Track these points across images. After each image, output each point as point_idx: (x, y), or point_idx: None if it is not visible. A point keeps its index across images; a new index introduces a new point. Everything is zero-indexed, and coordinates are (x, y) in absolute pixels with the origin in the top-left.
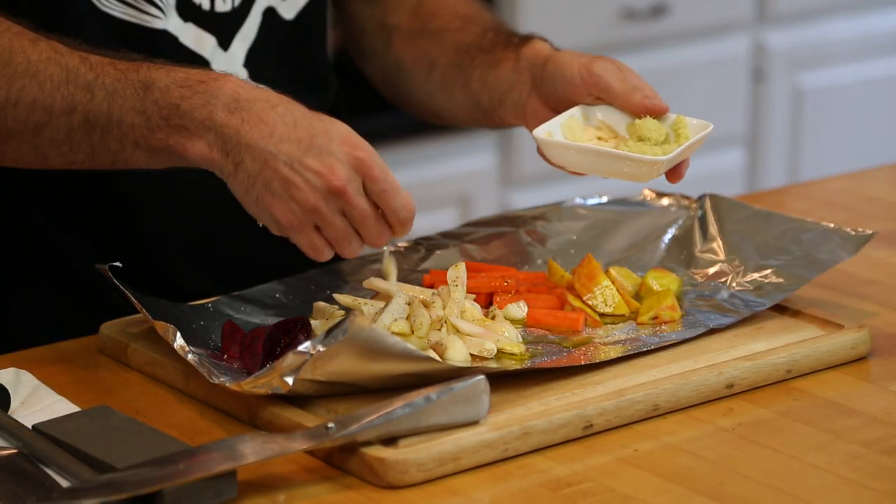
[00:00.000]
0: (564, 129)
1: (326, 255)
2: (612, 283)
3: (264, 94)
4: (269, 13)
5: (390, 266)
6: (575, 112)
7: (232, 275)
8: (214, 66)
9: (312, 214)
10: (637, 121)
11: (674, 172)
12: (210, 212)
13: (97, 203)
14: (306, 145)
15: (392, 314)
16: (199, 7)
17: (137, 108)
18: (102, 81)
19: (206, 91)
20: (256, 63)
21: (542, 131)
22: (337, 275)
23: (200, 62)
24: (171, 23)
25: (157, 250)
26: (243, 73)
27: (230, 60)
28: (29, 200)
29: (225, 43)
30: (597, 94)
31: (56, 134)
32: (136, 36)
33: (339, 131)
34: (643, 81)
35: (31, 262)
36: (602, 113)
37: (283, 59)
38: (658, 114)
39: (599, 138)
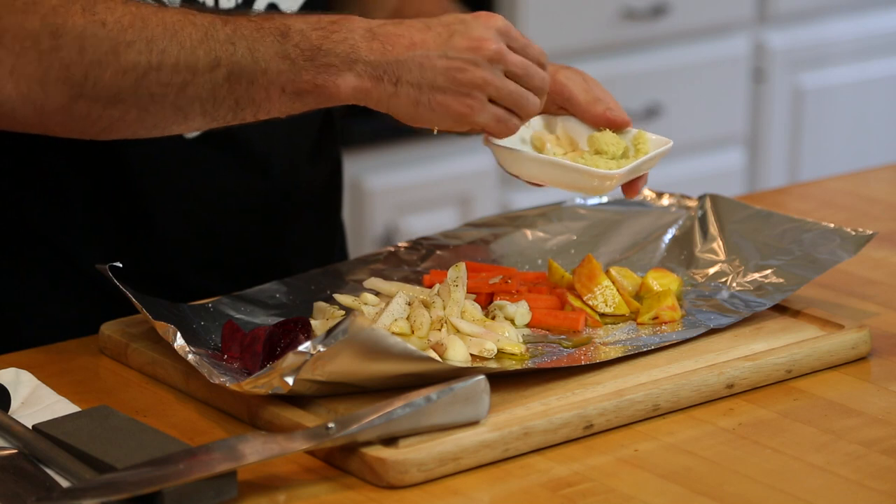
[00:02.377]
0: (524, 139)
1: (513, 123)
2: (613, 283)
3: (390, 21)
4: (271, 10)
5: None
6: (536, 122)
7: (237, 273)
8: None
9: (485, 88)
10: (596, 133)
11: (630, 187)
12: (218, 209)
13: (104, 200)
14: (447, 34)
15: (392, 314)
16: (203, 5)
17: (280, 53)
18: (241, 33)
19: (340, 29)
20: None
21: (499, 140)
22: (337, 275)
23: None
24: None
25: (165, 248)
26: None
27: None
28: (31, 197)
29: None
30: (560, 104)
31: (200, 91)
32: None
33: (466, 15)
34: (607, 93)
35: (32, 261)
36: (564, 123)
37: None
38: (618, 126)
39: (562, 153)
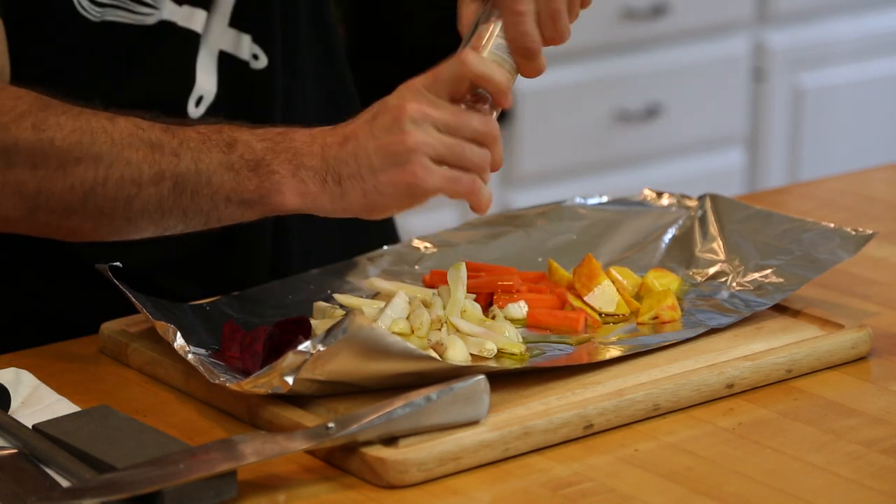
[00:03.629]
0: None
1: (468, 180)
2: (613, 282)
3: (334, 126)
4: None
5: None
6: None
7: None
8: (205, 38)
9: (420, 150)
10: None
11: None
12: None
13: None
14: (371, 117)
15: (392, 314)
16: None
17: (225, 164)
18: (187, 145)
19: (284, 139)
20: (238, 18)
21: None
22: (337, 275)
23: (192, 38)
24: (166, 11)
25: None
26: (231, 34)
27: (218, 27)
28: None
29: (208, 8)
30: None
31: (147, 204)
32: (130, 36)
33: (389, 96)
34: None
35: (32, 261)
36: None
37: (272, 15)
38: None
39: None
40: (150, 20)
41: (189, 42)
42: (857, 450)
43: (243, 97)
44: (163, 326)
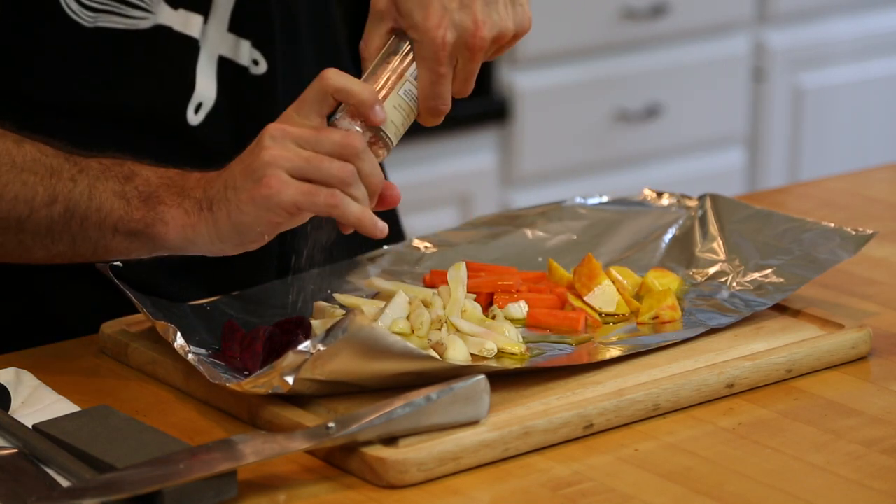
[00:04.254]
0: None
1: (325, 194)
2: (613, 282)
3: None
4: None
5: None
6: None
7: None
8: (204, 44)
9: (276, 164)
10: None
11: None
12: None
13: None
14: (246, 150)
15: (392, 314)
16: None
17: (118, 192)
18: (86, 173)
19: (181, 178)
20: (237, 23)
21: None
22: (337, 275)
23: (191, 44)
24: (162, 15)
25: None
26: (230, 39)
27: (217, 33)
28: None
29: (205, 14)
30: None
31: (38, 226)
32: (126, 41)
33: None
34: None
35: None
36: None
37: (272, 19)
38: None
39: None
40: (145, 24)
41: (187, 47)
42: (857, 450)
43: (244, 103)
44: (163, 326)
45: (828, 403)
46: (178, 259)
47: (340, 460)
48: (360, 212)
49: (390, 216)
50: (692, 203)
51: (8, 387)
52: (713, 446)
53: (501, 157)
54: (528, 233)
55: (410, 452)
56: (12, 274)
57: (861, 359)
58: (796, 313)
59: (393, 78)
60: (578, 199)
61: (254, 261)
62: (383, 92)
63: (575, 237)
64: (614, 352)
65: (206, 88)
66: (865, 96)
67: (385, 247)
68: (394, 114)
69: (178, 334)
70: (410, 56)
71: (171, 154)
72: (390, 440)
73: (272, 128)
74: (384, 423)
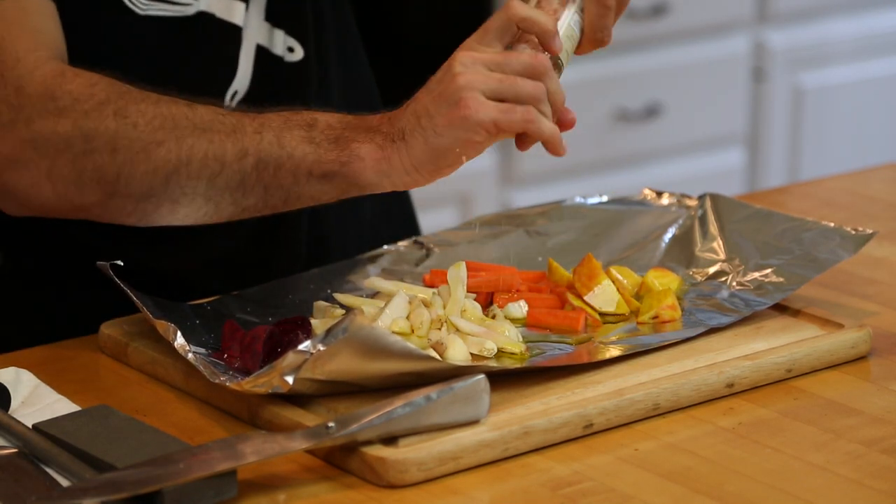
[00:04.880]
0: None
1: (522, 111)
2: (613, 282)
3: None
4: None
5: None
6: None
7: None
8: (246, 32)
9: (472, 87)
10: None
11: None
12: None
13: None
14: (427, 84)
15: (392, 313)
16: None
17: (306, 138)
18: (268, 125)
19: (360, 120)
20: (273, 12)
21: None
22: (337, 275)
23: (234, 31)
24: (203, 1)
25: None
26: (265, 28)
27: (255, 21)
28: None
29: (247, 1)
30: None
31: (229, 181)
32: (172, 28)
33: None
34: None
35: (32, 259)
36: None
37: (305, 6)
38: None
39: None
40: (190, 11)
41: (231, 35)
42: (857, 449)
43: (272, 92)
44: (163, 325)
45: (828, 403)
46: (215, 251)
47: (340, 460)
48: (551, 128)
49: (407, 210)
50: (692, 203)
51: (8, 387)
52: (713, 446)
53: (501, 157)
54: (528, 233)
55: (410, 452)
56: (12, 272)
57: (861, 358)
58: (796, 313)
59: (562, 9)
60: (578, 199)
61: (284, 250)
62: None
63: (575, 237)
64: (614, 351)
65: (244, 76)
66: (865, 96)
67: (385, 247)
68: (566, 42)
69: (179, 334)
70: None
71: None
72: (390, 440)
73: (460, 55)
74: (384, 422)
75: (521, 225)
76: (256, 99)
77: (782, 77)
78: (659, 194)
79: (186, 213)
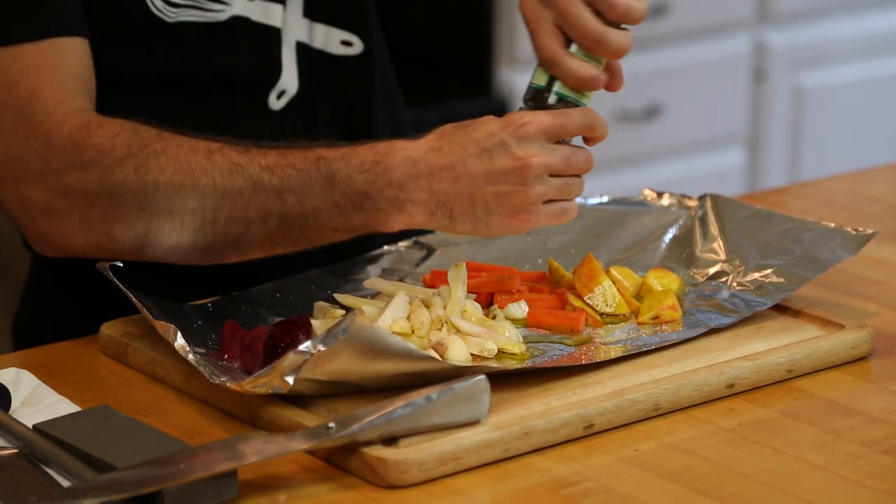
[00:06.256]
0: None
1: (570, 208)
2: (613, 282)
3: (425, 141)
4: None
5: None
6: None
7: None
8: (286, 32)
9: (540, 199)
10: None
11: None
12: None
13: None
14: (487, 156)
15: (393, 314)
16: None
17: (328, 202)
18: (288, 185)
19: (382, 169)
20: (314, 8)
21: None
22: (337, 275)
23: (272, 33)
24: (237, 6)
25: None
26: (305, 25)
27: (293, 19)
28: None
29: (283, 2)
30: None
31: (255, 238)
32: (203, 34)
33: (494, 124)
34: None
35: (32, 259)
36: None
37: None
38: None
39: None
40: (223, 16)
41: (269, 37)
42: (858, 450)
43: (323, 89)
44: (163, 326)
45: (828, 403)
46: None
47: (341, 460)
48: (576, 208)
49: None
50: (692, 203)
51: (8, 387)
52: (713, 446)
53: None
54: (528, 233)
55: (411, 452)
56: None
57: (861, 359)
58: (797, 313)
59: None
60: (579, 199)
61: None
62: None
63: (575, 237)
64: (615, 352)
65: (290, 76)
66: (865, 96)
67: (385, 247)
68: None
69: (179, 334)
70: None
71: (247, 136)
72: (391, 440)
73: (537, 166)
74: (384, 423)
75: None
76: (305, 97)
77: (782, 77)
78: (659, 195)
79: (217, 258)
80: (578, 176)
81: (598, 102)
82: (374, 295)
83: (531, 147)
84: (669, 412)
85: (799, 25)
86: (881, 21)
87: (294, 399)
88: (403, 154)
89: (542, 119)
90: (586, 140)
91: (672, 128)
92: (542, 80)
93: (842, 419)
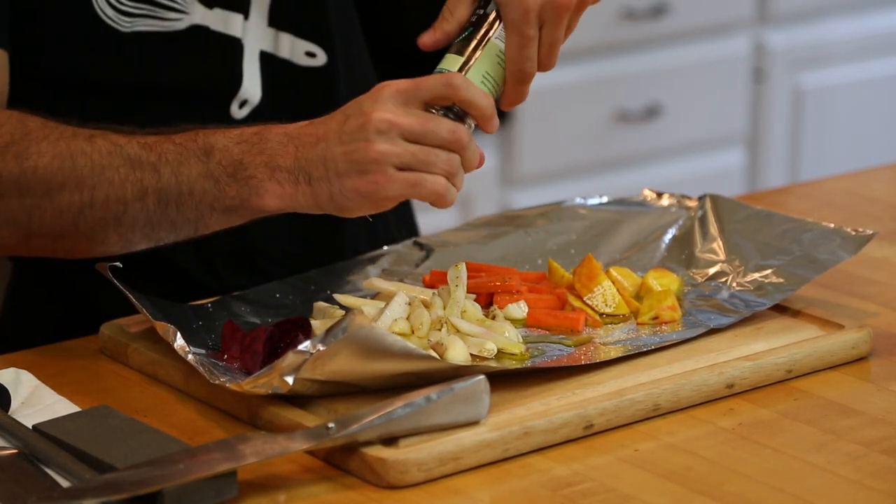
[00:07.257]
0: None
1: (431, 182)
2: (613, 283)
3: (310, 121)
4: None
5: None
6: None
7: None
8: (247, 42)
9: (384, 160)
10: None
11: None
12: None
13: None
14: (343, 119)
15: (392, 314)
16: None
17: (203, 173)
18: (165, 158)
19: (260, 140)
20: (278, 18)
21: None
22: (337, 275)
23: (234, 44)
24: (196, 15)
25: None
26: (270, 34)
27: (257, 28)
28: None
29: (245, 12)
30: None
31: (135, 220)
32: (161, 43)
33: (364, 97)
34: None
35: (32, 260)
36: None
37: (325, 4)
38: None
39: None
40: (181, 25)
41: (229, 46)
42: (857, 450)
43: (288, 99)
44: (163, 327)
45: (828, 403)
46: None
47: (340, 460)
48: (454, 198)
49: (406, 211)
50: (692, 203)
51: (8, 387)
52: (713, 446)
53: (501, 158)
54: (528, 233)
55: (411, 453)
56: (12, 272)
57: (861, 359)
58: (796, 313)
59: (480, 48)
60: (578, 200)
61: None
62: (471, 61)
63: (575, 237)
64: (614, 352)
65: (252, 85)
66: (865, 96)
67: (385, 247)
68: (486, 83)
69: (178, 335)
70: (498, 22)
71: None
72: (390, 440)
73: (378, 119)
74: (384, 423)
75: (521, 226)
76: (270, 107)
77: (782, 77)
78: (659, 195)
79: (104, 248)
80: (450, 151)
81: (598, 101)
82: (374, 295)
83: (379, 104)
84: (669, 412)
85: (799, 25)
86: (881, 21)
87: (294, 399)
88: (283, 129)
89: (399, 83)
90: (480, 124)
91: (672, 128)
92: (454, 66)
93: (842, 419)
